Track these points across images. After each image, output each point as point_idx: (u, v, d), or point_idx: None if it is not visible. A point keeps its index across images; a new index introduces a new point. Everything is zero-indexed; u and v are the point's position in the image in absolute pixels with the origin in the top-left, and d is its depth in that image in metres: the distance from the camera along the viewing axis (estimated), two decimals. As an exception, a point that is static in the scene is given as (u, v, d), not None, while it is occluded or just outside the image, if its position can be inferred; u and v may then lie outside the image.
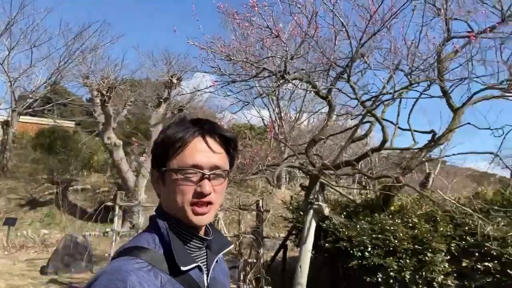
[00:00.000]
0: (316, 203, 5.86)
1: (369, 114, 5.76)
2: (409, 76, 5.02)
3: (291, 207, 7.61)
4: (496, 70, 6.69)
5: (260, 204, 6.38)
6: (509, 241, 5.32)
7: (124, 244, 0.92)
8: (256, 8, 5.52)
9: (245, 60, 5.11)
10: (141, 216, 11.28)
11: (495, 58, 5.89)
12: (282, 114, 17.21)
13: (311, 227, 5.80)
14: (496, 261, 5.23)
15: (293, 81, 6.41)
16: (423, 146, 6.42)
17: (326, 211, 5.84)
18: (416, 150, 6.71)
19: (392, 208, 6.50)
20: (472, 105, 6.78)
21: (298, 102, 18.45)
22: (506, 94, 6.32)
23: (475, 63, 6.77)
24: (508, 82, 6.05)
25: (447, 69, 6.26)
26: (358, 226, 5.87)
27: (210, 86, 5.35)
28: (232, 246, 1.08)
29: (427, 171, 14.03)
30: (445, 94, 6.63)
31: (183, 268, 0.85)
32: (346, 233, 5.77)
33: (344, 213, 6.79)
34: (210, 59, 5.55)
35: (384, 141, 5.25)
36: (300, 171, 7.82)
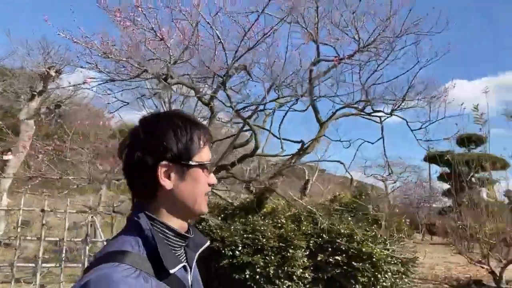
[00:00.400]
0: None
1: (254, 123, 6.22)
2: (277, 90, 5.57)
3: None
4: (355, 91, 7.89)
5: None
6: (355, 237, 6.26)
7: (104, 248, 0.87)
8: (140, 9, 5.49)
9: (124, 59, 5.03)
10: (2, 223, 9.92)
11: (352, 81, 6.91)
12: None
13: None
14: (344, 255, 6.10)
15: (176, 85, 6.52)
16: (293, 154, 7.17)
17: (202, 213, 6.04)
18: (287, 157, 7.44)
19: (265, 210, 7.06)
20: (335, 120, 7.82)
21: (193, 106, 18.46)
22: (361, 113, 7.49)
23: (339, 84, 7.87)
24: (360, 102, 7.19)
25: (312, 84, 7.12)
26: (232, 227, 6.22)
27: (84, 83, 5.10)
28: (208, 243, 1.07)
29: (306, 178, 15.50)
30: (314, 109, 7.52)
31: (171, 271, 0.84)
32: (220, 234, 6.07)
33: (222, 215, 7.11)
34: (87, 54, 5.32)
35: (256, 147, 5.71)
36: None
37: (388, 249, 6.20)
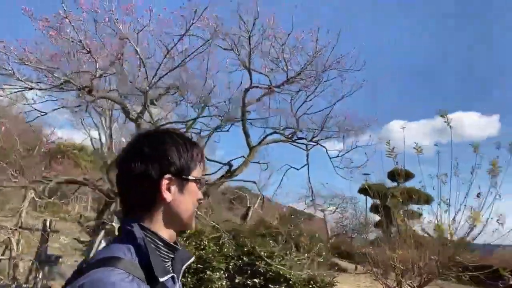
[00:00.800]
0: (109, 223, 5.82)
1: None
2: (197, 110, 5.69)
3: (88, 229, 7.29)
4: (284, 119, 8.26)
5: (47, 224, 5.92)
6: (274, 260, 6.36)
7: (96, 255, 0.87)
8: (67, 20, 5.44)
9: (43, 68, 4.90)
10: None
11: (277, 108, 7.24)
12: (114, 136, 16.56)
13: (100, 248, 5.68)
14: (262, 277, 6.17)
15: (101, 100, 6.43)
16: (221, 176, 7.25)
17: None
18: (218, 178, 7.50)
19: (190, 231, 6.98)
20: (266, 145, 8.08)
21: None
22: (288, 140, 7.82)
23: (270, 111, 8.21)
24: (287, 128, 7.54)
25: (244, 110, 7.36)
26: (149, 247, 6.07)
27: (-4, 89, 4.88)
28: (193, 259, 1.08)
29: (248, 205, 15.66)
30: (245, 133, 7.73)
31: (161, 279, 0.85)
32: (135, 254, 5.88)
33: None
34: (4, 60, 5.12)
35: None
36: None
37: (305, 273, 6.36)
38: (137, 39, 4.73)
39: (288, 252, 6.61)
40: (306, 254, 6.70)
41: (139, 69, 5.10)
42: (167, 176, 0.94)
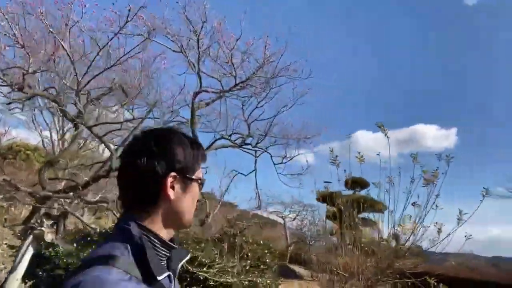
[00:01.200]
0: (38, 228, 5.51)
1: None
2: (130, 111, 5.54)
3: (19, 234, 6.88)
4: (237, 125, 8.23)
5: (-31, 228, 5.51)
6: (215, 267, 6.26)
7: (92, 252, 0.87)
8: (1, 12, 5.16)
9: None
10: None
11: (218, 113, 7.19)
12: (67, 137, 15.88)
13: (27, 253, 5.37)
14: (201, 285, 6.03)
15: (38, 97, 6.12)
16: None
17: (49, 237, 5.55)
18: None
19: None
20: (214, 150, 8.01)
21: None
22: (235, 145, 7.79)
23: (221, 116, 8.15)
24: (234, 134, 7.53)
25: (193, 113, 7.26)
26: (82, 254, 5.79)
27: None
28: (189, 256, 1.09)
29: (207, 211, 15.55)
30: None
31: (159, 278, 0.85)
32: (65, 261, 5.59)
33: (82, 241, 6.61)
34: None
35: (110, 168, 5.53)
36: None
37: (249, 280, 6.29)
38: (68, 35, 4.53)
39: (231, 260, 6.52)
40: (249, 261, 6.64)
41: (73, 66, 4.88)
42: (172, 174, 0.96)
